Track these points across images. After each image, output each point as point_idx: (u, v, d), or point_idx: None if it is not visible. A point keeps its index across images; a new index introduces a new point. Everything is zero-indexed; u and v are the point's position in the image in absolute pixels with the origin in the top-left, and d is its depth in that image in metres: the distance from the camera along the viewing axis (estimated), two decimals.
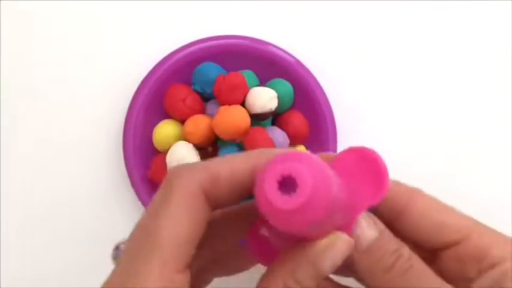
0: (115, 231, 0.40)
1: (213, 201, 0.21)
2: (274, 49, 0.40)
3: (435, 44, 0.43)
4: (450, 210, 0.24)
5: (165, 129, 0.38)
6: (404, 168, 0.42)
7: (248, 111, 0.37)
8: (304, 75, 0.40)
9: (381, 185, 0.22)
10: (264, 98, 0.37)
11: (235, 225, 0.24)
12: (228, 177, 0.21)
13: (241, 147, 0.36)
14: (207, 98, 0.39)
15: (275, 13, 0.42)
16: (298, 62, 0.40)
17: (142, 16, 0.42)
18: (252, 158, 0.21)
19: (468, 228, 0.23)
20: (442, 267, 0.23)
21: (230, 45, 0.40)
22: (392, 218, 0.23)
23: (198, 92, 0.39)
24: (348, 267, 0.23)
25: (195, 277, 0.24)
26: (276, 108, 0.37)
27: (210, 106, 0.39)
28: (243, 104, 0.37)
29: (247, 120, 0.36)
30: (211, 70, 0.38)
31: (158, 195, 0.21)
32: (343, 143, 0.41)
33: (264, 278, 0.22)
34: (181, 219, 0.20)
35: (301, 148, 0.40)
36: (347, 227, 0.22)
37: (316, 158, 0.19)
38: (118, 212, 0.40)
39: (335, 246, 0.21)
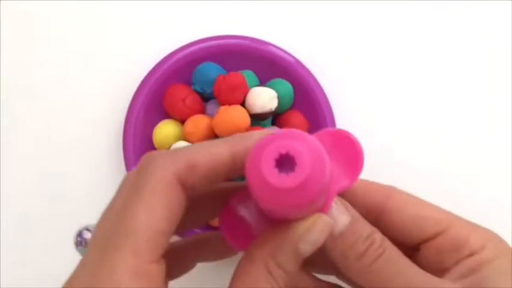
0: None
1: (190, 189, 0.20)
2: (274, 49, 0.40)
3: (435, 44, 0.43)
4: (428, 204, 0.24)
5: (165, 129, 0.38)
6: (404, 168, 0.42)
7: (248, 111, 0.37)
8: (304, 75, 0.40)
9: (357, 166, 0.22)
10: (264, 98, 0.37)
11: (211, 208, 0.23)
12: (206, 164, 0.20)
13: None
14: (207, 98, 0.39)
15: (275, 13, 0.42)
16: (298, 62, 0.40)
17: (142, 16, 0.42)
18: (231, 144, 0.21)
19: (446, 221, 0.23)
20: (421, 261, 0.23)
21: (230, 45, 0.40)
22: (373, 217, 0.23)
23: (198, 92, 0.39)
24: (329, 265, 0.23)
25: (175, 263, 0.24)
26: (276, 108, 0.37)
27: (210, 106, 0.39)
28: (243, 104, 0.37)
29: (247, 120, 0.36)
30: (211, 70, 0.38)
31: (131, 179, 0.20)
32: None
33: (242, 262, 0.21)
34: (157, 210, 0.19)
35: None
36: (322, 208, 0.21)
37: (311, 137, 0.19)
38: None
39: (316, 228, 0.21)
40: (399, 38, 0.43)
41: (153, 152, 0.21)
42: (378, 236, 0.22)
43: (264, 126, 0.38)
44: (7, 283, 0.40)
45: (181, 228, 0.21)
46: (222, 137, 0.36)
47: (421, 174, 0.42)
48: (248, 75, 0.39)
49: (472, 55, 0.43)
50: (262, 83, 0.40)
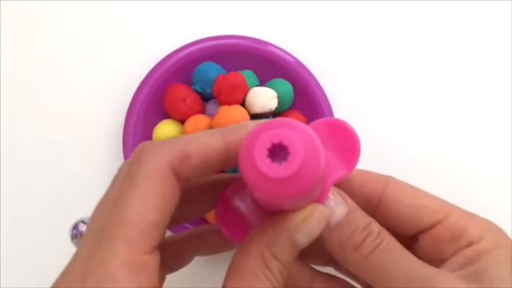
0: None
1: (184, 179, 0.20)
2: (274, 49, 0.40)
3: (435, 44, 0.43)
4: (426, 194, 0.23)
5: (165, 129, 0.38)
6: (404, 168, 0.42)
7: (248, 111, 0.37)
8: (304, 75, 0.40)
9: (354, 155, 0.21)
10: (264, 98, 0.37)
11: (206, 200, 0.23)
12: (199, 154, 0.20)
13: None
14: (207, 98, 0.39)
15: (275, 13, 0.42)
16: (298, 62, 0.40)
17: (142, 16, 0.42)
18: (224, 134, 0.20)
19: (444, 211, 0.23)
20: (419, 251, 0.23)
21: (230, 45, 0.40)
22: (371, 208, 0.23)
23: (198, 92, 0.39)
24: (326, 256, 0.23)
25: (172, 256, 0.24)
26: (276, 108, 0.37)
27: (210, 106, 0.39)
28: (243, 104, 0.37)
29: (247, 120, 0.36)
30: (211, 70, 0.38)
31: (125, 169, 0.20)
32: None
33: (237, 255, 0.21)
34: (150, 200, 0.19)
35: None
36: (319, 199, 0.21)
37: (305, 126, 0.19)
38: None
39: (313, 218, 0.20)
40: (399, 38, 0.43)
41: (147, 142, 0.21)
42: (375, 226, 0.22)
43: None
44: (7, 283, 0.40)
45: (175, 221, 0.21)
46: None
47: (421, 173, 0.42)
48: (248, 75, 0.39)
49: (472, 54, 0.43)
50: (262, 83, 0.40)
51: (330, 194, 0.21)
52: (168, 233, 0.22)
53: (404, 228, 0.23)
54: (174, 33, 0.41)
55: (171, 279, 0.24)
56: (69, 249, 0.41)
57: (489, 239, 0.22)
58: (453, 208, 0.23)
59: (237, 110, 0.36)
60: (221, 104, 0.37)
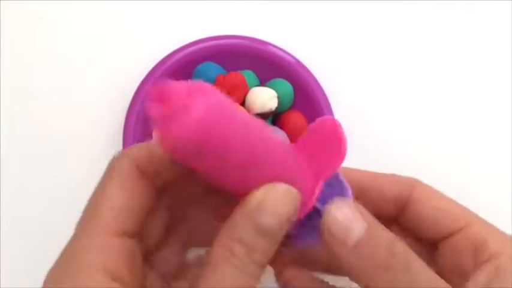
0: None
1: (154, 175, 0.22)
2: (274, 49, 0.40)
3: (436, 43, 0.43)
4: (451, 199, 0.23)
5: None
6: (404, 168, 0.42)
7: (248, 111, 0.37)
8: (304, 75, 0.40)
9: (340, 151, 0.21)
10: (264, 98, 0.37)
11: (209, 200, 0.24)
12: (160, 153, 0.21)
13: None
14: None
15: (275, 13, 0.42)
16: (298, 62, 0.40)
17: (143, 16, 0.42)
18: None
19: (465, 219, 0.23)
20: (439, 261, 0.23)
21: (230, 45, 0.40)
22: (398, 210, 0.23)
23: None
24: (334, 266, 0.22)
25: (176, 249, 0.25)
26: (276, 108, 0.37)
27: None
28: (243, 104, 0.37)
29: None
30: (211, 70, 0.38)
31: (101, 177, 0.23)
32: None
33: (208, 250, 0.20)
34: (116, 193, 0.21)
35: None
36: (304, 193, 0.20)
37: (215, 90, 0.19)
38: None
39: (270, 198, 0.19)
40: (399, 38, 0.43)
41: (130, 146, 0.23)
42: (400, 245, 0.20)
43: None
44: (7, 283, 0.40)
45: (191, 243, 0.24)
46: None
47: (421, 173, 0.42)
48: (248, 75, 0.39)
49: (472, 54, 0.43)
50: (262, 83, 0.40)
51: (345, 209, 0.20)
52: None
53: (428, 232, 0.23)
54: (174, 33, 0.41)
55: None
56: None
57: (509, 255, 0.21)
58: (474, 217, 0.23)
59: None
60: None
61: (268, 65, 0.40)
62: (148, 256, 0.24)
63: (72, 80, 0.41)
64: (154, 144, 0.22)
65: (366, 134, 0.42)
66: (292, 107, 0.40)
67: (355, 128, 0.42)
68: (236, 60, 0.39)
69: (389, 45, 0.43)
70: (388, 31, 0.43)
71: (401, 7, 0.43)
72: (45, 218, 0.40)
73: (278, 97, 0.37)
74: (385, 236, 0.20)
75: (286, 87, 0.39)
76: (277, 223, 0.19)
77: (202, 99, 0.18)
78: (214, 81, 0.38)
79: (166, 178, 0.22)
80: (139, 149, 0.22)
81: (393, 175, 0.24)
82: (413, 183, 0.24)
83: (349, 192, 0.21)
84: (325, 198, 0.21)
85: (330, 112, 0.40)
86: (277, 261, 0.23)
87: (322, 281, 0.25)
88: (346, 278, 0.24)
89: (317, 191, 0.21)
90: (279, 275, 0.25)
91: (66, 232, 0.41)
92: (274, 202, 0.19)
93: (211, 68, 0.38)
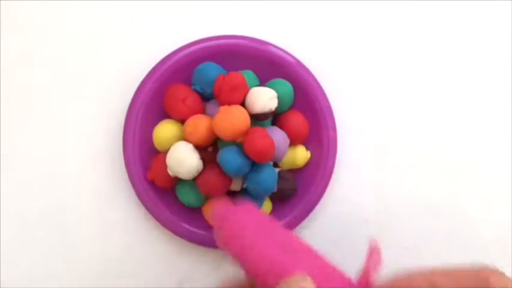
0: (115, 231, 0.41)
1: None
2: (274, 49, 0.40)
3: (435, 43, 0.43)
4: None
5: (165, 129, 0.38)
6: (404, 168, 0.42)
7: (248, 111, 0.37)
8: (304, 75, 0.40)
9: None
10: (264, 98, 0.37)
11: None
12: None
13: (241, 147, 0.36)
14: (207, 98, 0.39)
15: (275, 13, 0.42)
16: (298, 62, 0.40)
17: (143, 16, 0.42)
18: None
19: None
20: None
21: (230, 45, 0.40)
22: None
23: (198, 92, 0.39)
24: None
25: None
26: (276, 108, 0.37)
27: (210, 106, 0.39)
28: (243, 104, 0.37)
29: (247, 120, 0.36)
30: (211, 70, 0.38)
31: None
32: (344, 143, 0.41)
33: None
34: None
35: (301, 148, 0.40)
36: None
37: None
38: (118, 212, 0.40)
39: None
40: (399, 38, 0.43)
41: None
42: None
43: (264, 126, 0.38)
44: (7, 283, 0.40)
45: None
46: (222, 137, 0.36)
47: (421, 172, 0.42)
48: (248, 75, 0.39)
49: (472, 55, 0.43)
50: (262, 83, 0.40)
51: None
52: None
53: None
54: (174, 33, 0.41)
55: None
56: (68, 248, 0.41)
57: None
58: None
59: (237, 110, 0.36)
60: (221, 104, 0.37)
61: (268, 65, 0.40)
62: None
63: (72, 80, 0.41)
64: None
65: (365, 132, 0.42)
66: (292, 107, 0.40)
67: (354, 127, 0.42)
68: (236, 60, 0.39)
69: (389, 45, 0.43)
70: (388, 31, 0.43)
71: (401, 7, 0.43)
72: (45, 217, 0.40)
73: (278, 97, 0.37)
74: None
75: (286, 87, 0.39)
76: None
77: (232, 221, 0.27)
78: (214, 81, 0.38)
79: None
80: None
81: (463, 269, 0.23)
82: (487, 275, 0.23)
83: None
84: None
85: (330, 112, 0.40)
86: None
87: None
88: None
89: None
90: None
91: (66, 232, 0.41)
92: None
93: (211, 68, 0.38)
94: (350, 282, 0.24)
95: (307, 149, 0.40)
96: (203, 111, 0.39)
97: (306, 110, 0.40)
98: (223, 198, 0.38)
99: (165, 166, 0.37)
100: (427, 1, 0.43)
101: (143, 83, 0.39)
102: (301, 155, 0.39)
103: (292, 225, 0.39)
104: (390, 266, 0.25)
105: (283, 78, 0.39)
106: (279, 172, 0.39)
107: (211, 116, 0.37)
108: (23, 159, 0.41)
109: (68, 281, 0.40)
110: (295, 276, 0.22)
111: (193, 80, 0.39)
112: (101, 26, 0.42)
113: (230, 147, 0.36)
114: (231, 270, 0.40)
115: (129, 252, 0.40)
